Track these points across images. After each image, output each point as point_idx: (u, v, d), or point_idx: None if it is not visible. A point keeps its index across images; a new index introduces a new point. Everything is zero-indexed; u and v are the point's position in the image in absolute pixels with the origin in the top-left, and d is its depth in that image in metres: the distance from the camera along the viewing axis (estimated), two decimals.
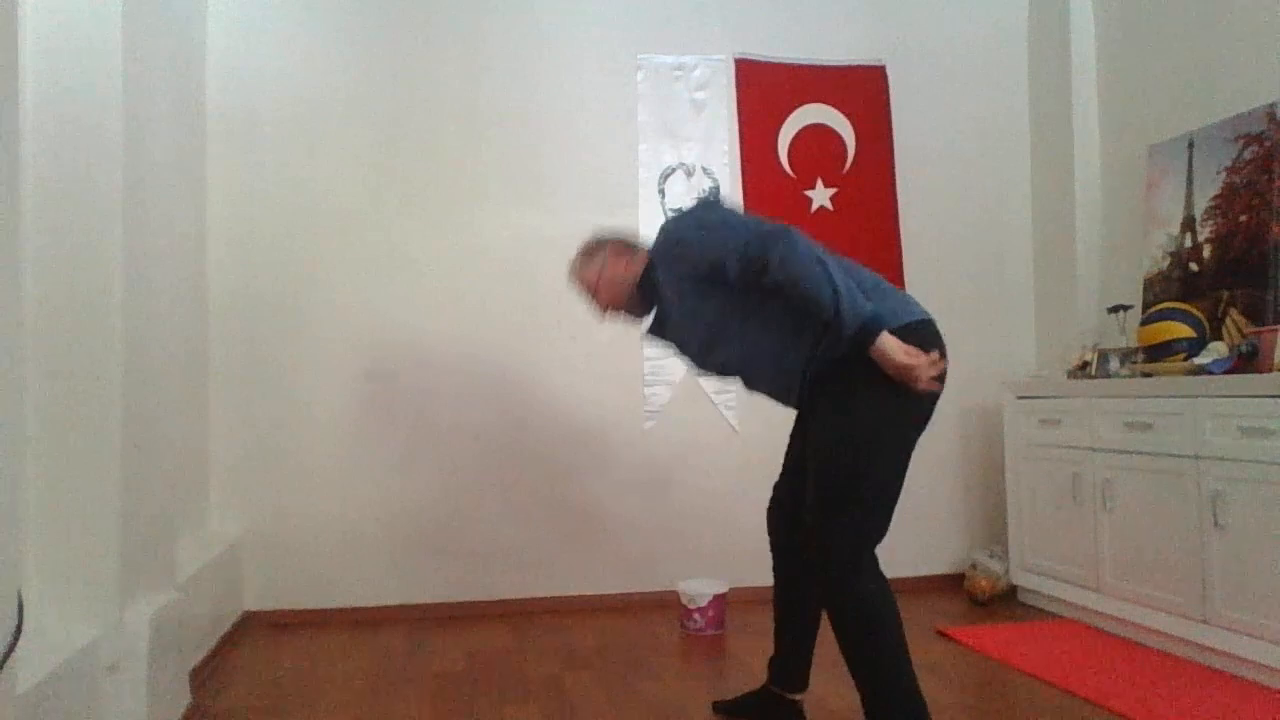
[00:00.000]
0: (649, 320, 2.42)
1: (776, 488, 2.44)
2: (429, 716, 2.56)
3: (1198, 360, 3.07)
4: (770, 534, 2.45)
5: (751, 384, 2.26)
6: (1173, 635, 2.98)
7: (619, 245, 2.35)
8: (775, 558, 2.44)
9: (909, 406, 2.07)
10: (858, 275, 2.12)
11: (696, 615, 3.44)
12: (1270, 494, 2.64)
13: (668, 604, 3.69)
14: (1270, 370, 2.84)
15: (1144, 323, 3.35)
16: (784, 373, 2.15)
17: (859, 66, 4.18)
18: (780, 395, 2.23)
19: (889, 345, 1.99)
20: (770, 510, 2.45)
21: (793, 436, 2.43)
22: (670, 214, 4.05)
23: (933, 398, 2.10)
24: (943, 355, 2.09)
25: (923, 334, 2.08)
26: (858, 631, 2.03)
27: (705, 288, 2.14)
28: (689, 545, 3.93)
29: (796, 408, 2.25)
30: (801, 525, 2.22)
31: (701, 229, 2.14)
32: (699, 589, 3.45)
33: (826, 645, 3.25)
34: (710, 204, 2.26)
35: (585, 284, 2.36)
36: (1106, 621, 3.30)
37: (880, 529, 2.08)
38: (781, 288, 2.01)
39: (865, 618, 2.02)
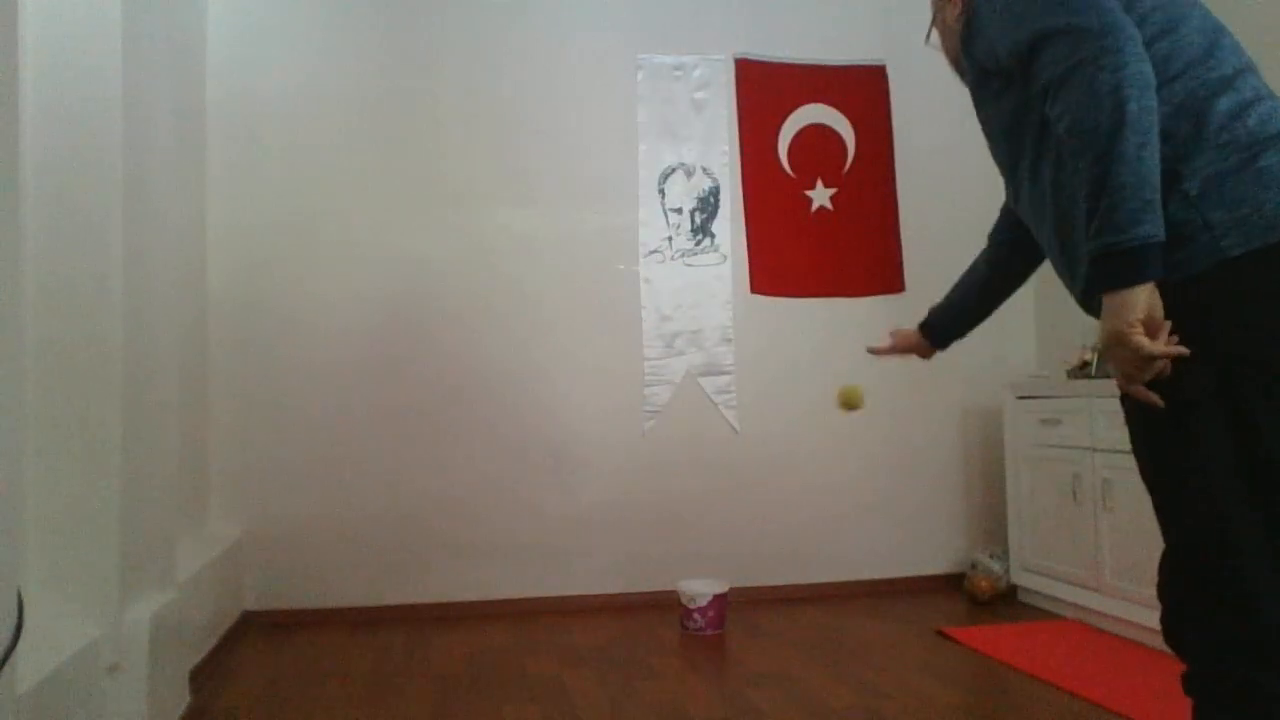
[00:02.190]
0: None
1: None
2: (429, 716, 2.56)
3: None
4: None
5: (1040, 244, 1.53)
6: None
7: None
8: None
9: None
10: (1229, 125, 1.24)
11: (696, 615, 3.44)
12: None
13: (668, 604, 3.69)
14: None
15: None
16: (1066, 256, 1.40)
17: (859, 66, 4.17)
18: (1066, 284, 1.46)
19: (1132, 307, 1.15)
20: None
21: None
22: (670, 213, 4.04)
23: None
24: None
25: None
26: None
27: (990, 78, 1.47)
28: (689, 545, 3.92)
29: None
30: None
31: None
32: (699, 589, 3.45)
33: (820, 639, 3.26)
34: None
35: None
36: (1106, 621, 3.30)
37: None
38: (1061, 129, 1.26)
39: None
